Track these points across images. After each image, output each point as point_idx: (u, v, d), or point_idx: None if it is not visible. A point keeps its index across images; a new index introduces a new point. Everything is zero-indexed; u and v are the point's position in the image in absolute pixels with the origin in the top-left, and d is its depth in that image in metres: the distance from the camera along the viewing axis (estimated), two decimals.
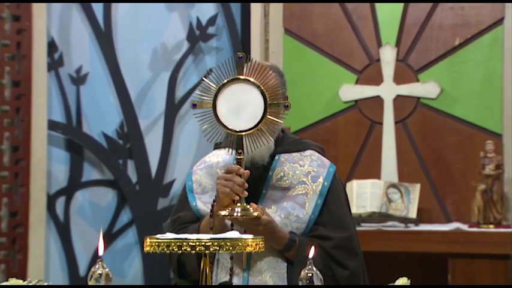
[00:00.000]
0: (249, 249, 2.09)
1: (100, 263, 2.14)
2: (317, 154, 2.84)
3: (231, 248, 2.07)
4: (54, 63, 4.93)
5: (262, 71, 2.60)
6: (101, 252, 2.16)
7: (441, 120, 4.71)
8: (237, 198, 2.57)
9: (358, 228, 4.35)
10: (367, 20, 4.86)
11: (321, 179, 2.78)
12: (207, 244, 2.05)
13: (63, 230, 4.95)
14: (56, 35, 4.95)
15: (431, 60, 4.75)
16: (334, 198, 2.79)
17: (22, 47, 4.73)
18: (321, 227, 2.74)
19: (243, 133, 2.58)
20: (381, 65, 4.80)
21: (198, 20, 5.15)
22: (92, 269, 2.14)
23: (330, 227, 2.74)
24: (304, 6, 4.94)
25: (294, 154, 2.81)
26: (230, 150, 2.65)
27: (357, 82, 4.86)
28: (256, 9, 4.96)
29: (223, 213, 2.57)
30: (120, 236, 5.06)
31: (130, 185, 5.04)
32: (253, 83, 2.58)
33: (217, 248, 2.05)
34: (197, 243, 2.05)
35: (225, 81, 2.58)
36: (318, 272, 2.16)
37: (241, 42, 5.16)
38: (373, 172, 4.73)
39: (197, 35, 5.16)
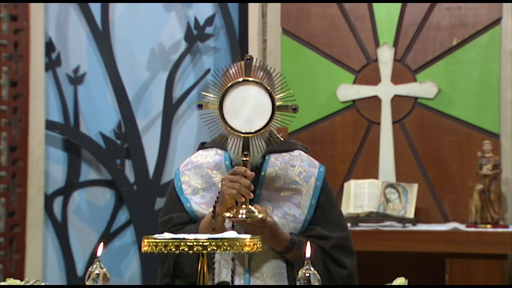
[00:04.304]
0: (246, 249, 2.09)
1: (98, 263, 2.14)
2: (305, 154, 2.86)
3: (228, 248, 2.06)
4: (52, 63, 4.93)
5: (270, 72, 2.58)
6: (99, 252, 2.16)
7: (439, 120, 4.71)
8: (243, 200, 2.55)
9: (355, 228, 4.40)
10: (365, 20, 4.86)
11: (313, 179, 2.78)
12: (204, 244, 2.05)
13: (60, 230, 4.95)
14: (53, 35, 4.95)
15: (428, 60, 4.75)
16: (327, 198, 2.80)
17: (19, 46, 4.73)
18: (317, 227, 2.74)
19: (250, 135, 2.57)
20: (379, 65, 4.81)
21: (195, 20, 5.15)
22: (90, 269, 2.14)
23: (326, 227, 2.74)
24: (301, 6, 4.94)
25: (284, 154, 2.81)
26: (235, 150, 2.60)
27: (354, 82, 4.86)
28: (253, 9, 4.96)
29: (227, 215, 2.55)
30: (118, 236, 5.06)
31: (128, 185, 5.03)
32: (261, 85, 2.56)
33: (215, 248, 2.05)
34: (195, 243, 2.05)
35: (233, 82, 2.56)
36: (316, 272, 2.15)
37: (239, 42, 5.16)
38: (371, 172, 4.73)
39: (195, 35, 5.16)
